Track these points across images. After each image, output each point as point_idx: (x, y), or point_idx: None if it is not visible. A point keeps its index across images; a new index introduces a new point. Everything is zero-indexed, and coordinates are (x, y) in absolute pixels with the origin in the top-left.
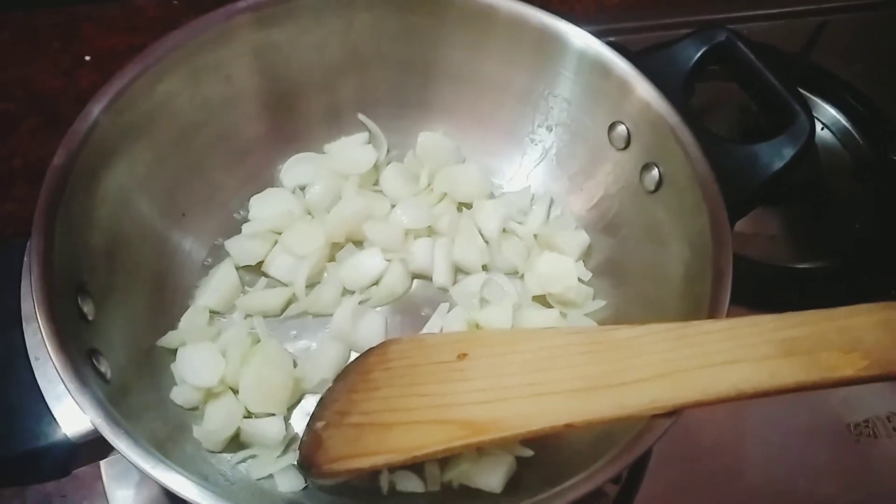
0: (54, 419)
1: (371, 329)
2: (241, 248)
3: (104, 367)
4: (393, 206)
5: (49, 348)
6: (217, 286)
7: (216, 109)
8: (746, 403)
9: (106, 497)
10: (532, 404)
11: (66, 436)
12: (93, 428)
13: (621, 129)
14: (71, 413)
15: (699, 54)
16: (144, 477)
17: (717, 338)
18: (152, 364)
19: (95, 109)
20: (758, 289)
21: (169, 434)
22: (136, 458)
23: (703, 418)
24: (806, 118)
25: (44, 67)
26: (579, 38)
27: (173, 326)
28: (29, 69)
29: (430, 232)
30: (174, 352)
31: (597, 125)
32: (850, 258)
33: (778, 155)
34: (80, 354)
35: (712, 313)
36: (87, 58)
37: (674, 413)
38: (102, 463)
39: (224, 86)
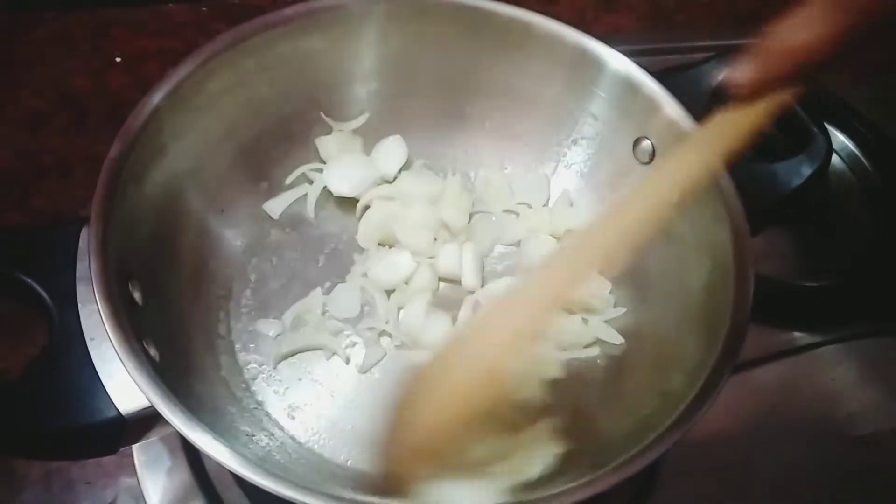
0: (108, 397)
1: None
2: None
3: (152, 351)
4: (422, 212)
5: (107, 328)
6: None
7: (258, 110)
8: (753, 425)
9: (138, 481)
10: None
11: (119, 412)
12: (144, 406)
13: (646, 144)
14: (123, 391)
15: (722, 75)
16: (176, 463)
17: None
18: (191, 353)
19: (148, 107)
20: (767, 303)
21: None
22: (190, 433)
23: (713, 434)
24: (823, 139)
25: (75, 67)
26: (613, 59)
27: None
28: (60, 69)
29: (459, 237)
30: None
31: (622, 140)
32: (857, 278)
33: (796, 173)
34: (132, 336)
35: (735, 318)
36: (118, 59)
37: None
38: (135, 449)
39: (266, 88)
